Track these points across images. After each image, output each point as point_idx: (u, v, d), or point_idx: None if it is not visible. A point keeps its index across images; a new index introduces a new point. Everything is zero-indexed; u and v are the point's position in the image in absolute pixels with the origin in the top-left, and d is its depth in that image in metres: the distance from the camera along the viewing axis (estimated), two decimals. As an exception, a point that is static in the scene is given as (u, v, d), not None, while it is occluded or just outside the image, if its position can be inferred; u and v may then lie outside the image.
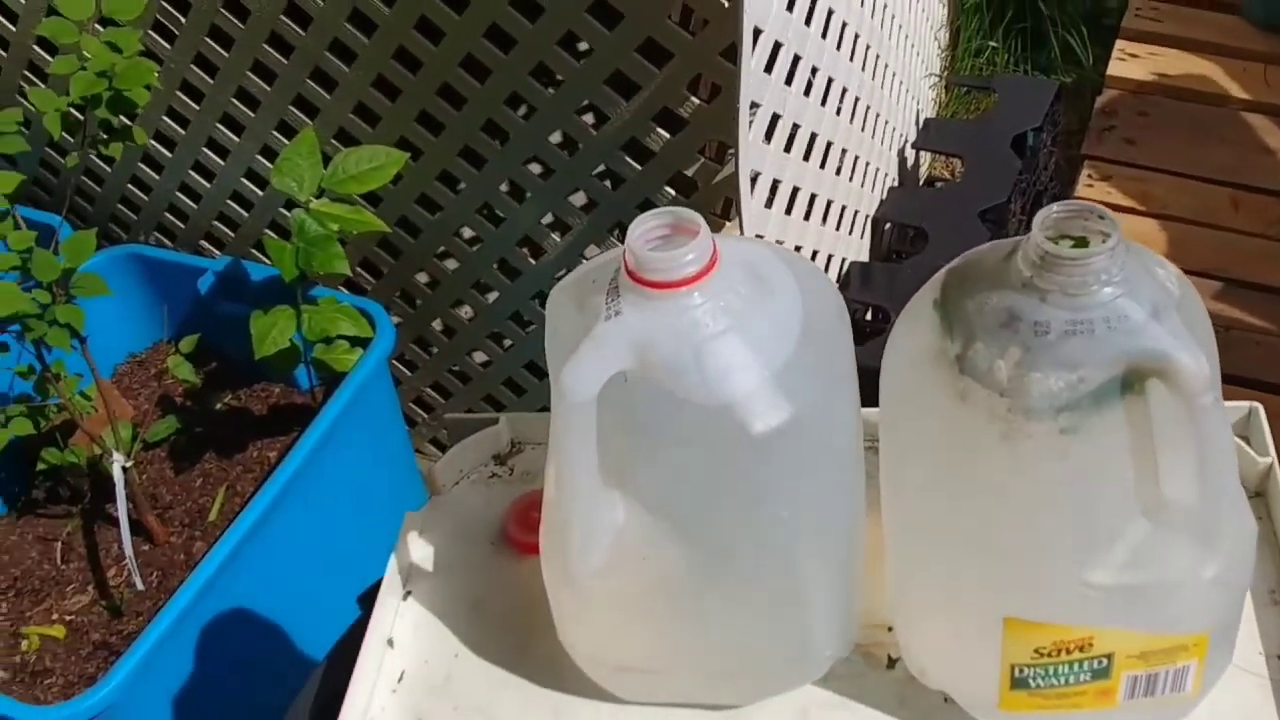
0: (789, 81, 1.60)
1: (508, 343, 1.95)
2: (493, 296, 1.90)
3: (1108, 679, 0.78)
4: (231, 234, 2.09)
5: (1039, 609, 0.75)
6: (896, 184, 2.21)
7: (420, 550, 1.01)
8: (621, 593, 0.80)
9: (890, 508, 0.83)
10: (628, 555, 0.79)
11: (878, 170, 2.07)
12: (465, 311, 1.96)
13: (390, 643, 0.95)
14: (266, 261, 1.76)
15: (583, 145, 1.64)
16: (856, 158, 1.93)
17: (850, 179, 1.92)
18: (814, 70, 1.68)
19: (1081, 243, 0.71)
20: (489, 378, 2.02)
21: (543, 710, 0.89)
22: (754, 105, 1.50)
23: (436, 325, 2.00)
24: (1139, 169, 2.37)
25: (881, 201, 2.10)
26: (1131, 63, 2.54)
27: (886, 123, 2.08)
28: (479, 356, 2.01)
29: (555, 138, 1.69)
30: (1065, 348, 0.69)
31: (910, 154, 2.28)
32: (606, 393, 0.73)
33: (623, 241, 1.73)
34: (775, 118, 1.59)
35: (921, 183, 2.43)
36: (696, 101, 1.52)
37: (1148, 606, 0.75)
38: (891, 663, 0.89)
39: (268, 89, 1.82)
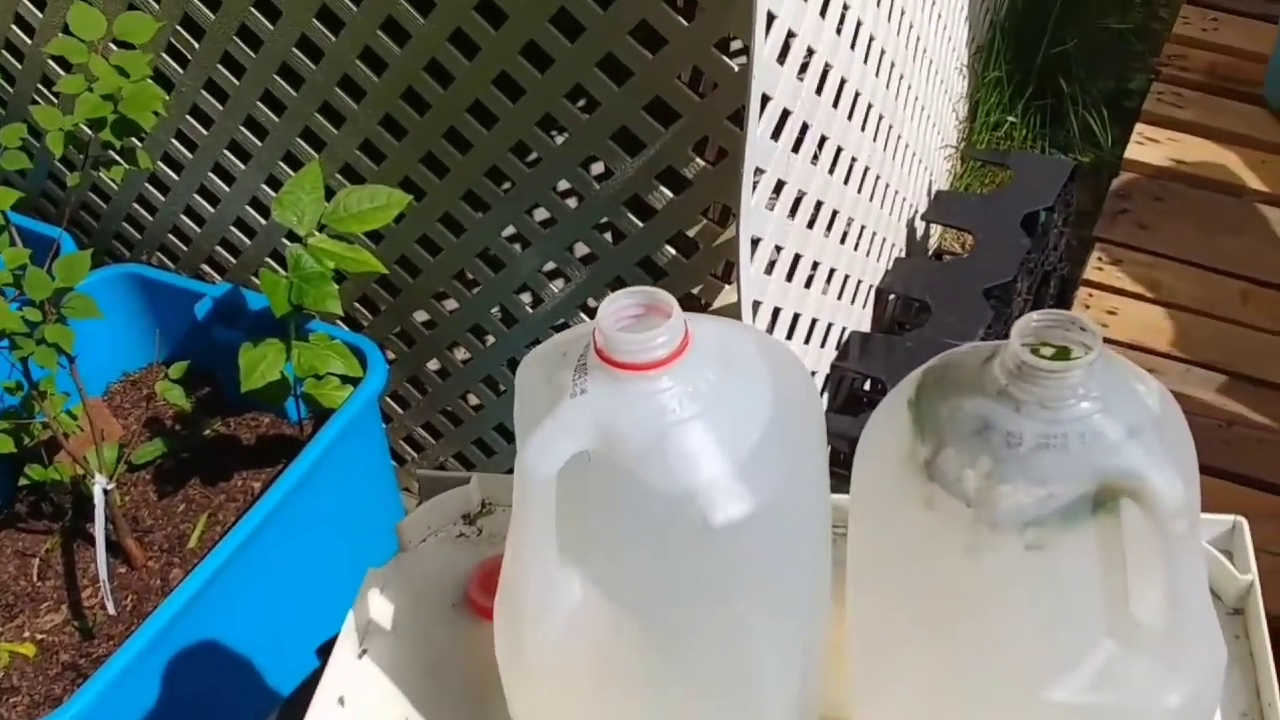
0: (796, 149, 1.59)
1: (502, 388, 1.93)
2: (489, 341, 1.89)
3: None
4: (233, 260, 2.09)
5: (997, 723, 0.73)
6: (904, 255, 2.19)
7: (380, 607, 0.99)
8: (571, 671, 0.79)
9: (855, 603, 0.81)
10: (581, 634, 0.77)
11: (884, 240, 2.06)
12: (461, 354, 1.95)
13: (341, 701, 0.93)
14: (265, 291, 1.75)
15: (586, 197, 1.63)
16: (863, 227, 1.92)
17: (855, 248, 1.91)
18: (823, 139, 1.67)
19: (1063, 352, 0.69)
20: (481, 421, 2.00)
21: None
22: (759, 170, 1.49)
23: (432, 365, 1.99)
24: (1150, 254, 2.36)
25: (887, 272, 2.08)
26: (1150, 147, 2.53)
27: (896, 193, 2.07)
28: (472, 400, 2.00)
29: (561, 186, 1.68)
30: (1036, 461, 0.67)
31: (920, 225, 2.27)
32: (571, 469, 0.72)
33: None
34: (780, 184, 1.58)
35: (930, 254, 2.41)
36: (701, 163, 1.51)
37: (1106, 730, 0.73)
38: (845, 762, 0.87)
39: (276, 119, 1.81)
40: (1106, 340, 2.10)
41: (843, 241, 1.85)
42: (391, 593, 1.00)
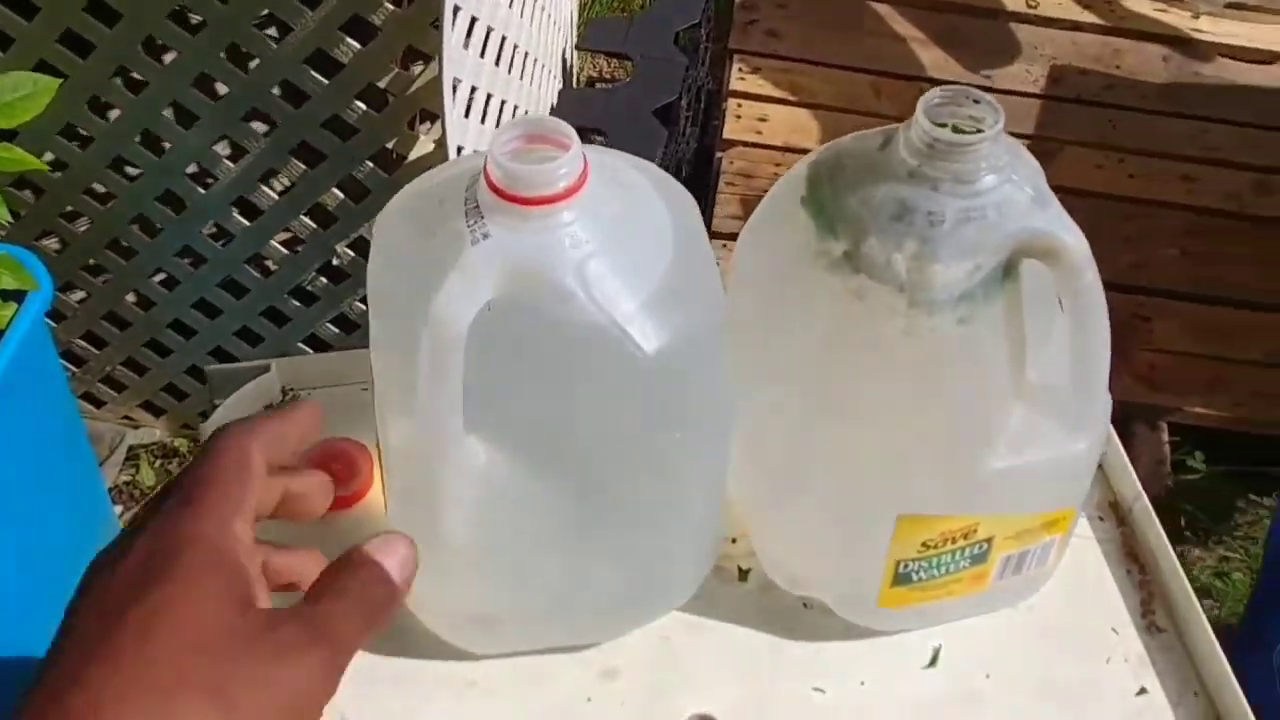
0: (479, -17, 1.53)
1: (179, 284, 1.80)
2: (160, 233, 1.74)
3: (985, 563, 0.78)
4: None
5: (932, 502, 0.74)
6: (561, 86, 2.16)
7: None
8: (491, 543, 0.74)
9: (752, 414, 0.80)
10: (494, 500, 0.72)
11: (549, 71, 2.02)
12: (118, 256, 1.79)
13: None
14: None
15: (262, 59, 1.51)
16: (535, 59, 1.87)
17: (532, 82, 1.86)
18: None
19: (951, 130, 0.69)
20: (150, 322, 1.86)
21: (384, 679, 0.82)
22: (455, 8, 1.42)
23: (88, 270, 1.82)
24: (785, 60, 2.43)
25: (553, 106, 2.05)
26: (764, -45, 2.59)
27: (554, 21, 2.03)
28: (135, 300, 1.85)
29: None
30: (961, 236, 0.67)
31: (569, 56, 2.24)
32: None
33: (310, 166, 1.62)
34: (473, 20, 1.51)
35: (577, 84, 2.40)
36: (390, 7, 1.43)
37: (1029, 488, 0.75)
38: (743, 574, 0.86)
39: None
40: (758, 145, 2.16)
41: (522, 77, 1.80)
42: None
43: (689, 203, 0.74)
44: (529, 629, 0.80)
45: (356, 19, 1.45)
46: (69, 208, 1.73)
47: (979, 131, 0.67)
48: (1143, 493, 0.89)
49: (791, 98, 2.36)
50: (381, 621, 0.52)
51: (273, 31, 1.51)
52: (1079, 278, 0.69)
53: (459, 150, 1.53)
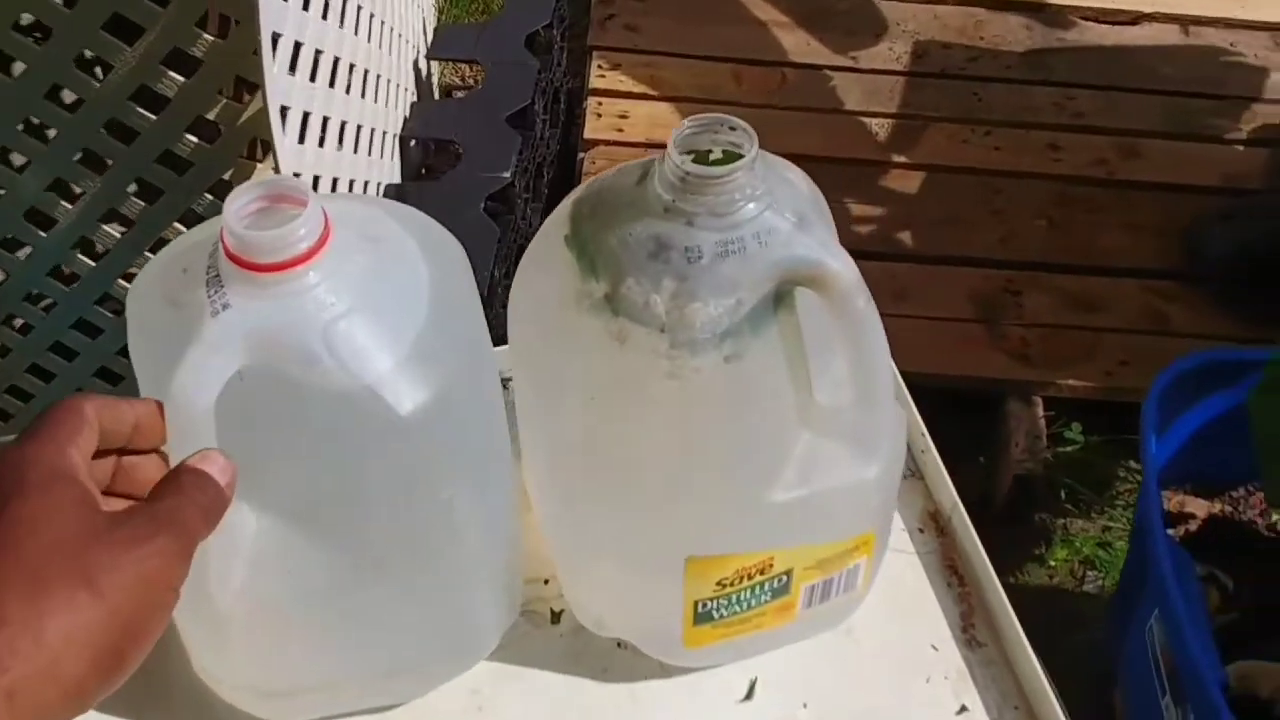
0: (306, 6, 1.49)
1: (32, 329, 1.75)
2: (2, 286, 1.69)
3: (788, 594, 0.77)
4: None
5: (719, 542, 0.72)
6: (416, 99, 2.13)
7: None
8: (266, 611, 0.71)
9: (541, 454, 0.78)
10: (268, 569, 0.70)
11: (397, 85, 1.99)
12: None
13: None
14: None
15: (85, 99, 1.46)
16: (379, 76, 1.84)
17: (375, 100, 1.83)
18: (324, -11, 1.57)
19: (702, 158, 0.68)
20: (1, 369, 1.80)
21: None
22: (275, 35, 1.38)
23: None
24: (645, 54, 2.41)
25: (406, 119, 2.01)
26: (618, -51, 2.56)
27: (399, 35, 2.00)
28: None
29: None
30: (720, 271, 0.65)
31: (424, 65, 2.21)
32: (220, 395, 0.64)
33: (149, 202, 1.56)
34: (298, 46, 1.47)
35: (437, 94, 2.36)
36: (209, 38, 1.38)
37: (822, 517, 0.74)
38: (555, 617, 0.85)
39: None
40: (620, 144, 2.13)
41: (363, 95, 1.76)
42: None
43: (454, 251, 0.72)
44: (327, 698, 0.78)
45: (178, 52, 1.41)
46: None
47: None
48: (959, 502, 0.88)
49: (652, 92, 2.34)
50: (214, 516, 0.58)
51: (99, 71, 1.46)
52: (849, 303, 0.67)
53: (294, 177, 1.49)
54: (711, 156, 0.67)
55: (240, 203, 0.64)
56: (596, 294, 0.67)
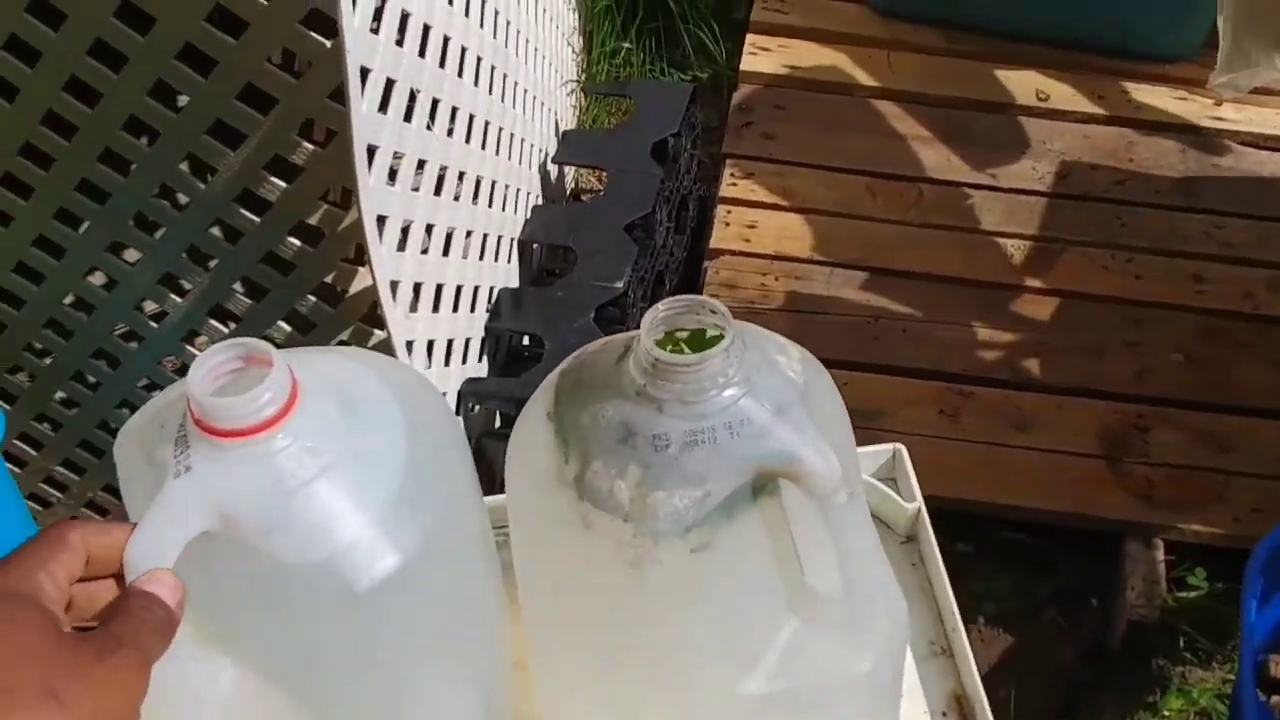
0: (408, 117, 1.51)
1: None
2: (120, 366, 1.74)
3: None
4: None
5: (694, 730, 0.69)
6: (541, 201, 2.15)
7: None
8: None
9: (529, 616, 0.76)
10: (238, 725, 0.69)
11: (519, 190, 2.01)
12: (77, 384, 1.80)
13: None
14: None
15: (192, 199, 1.51)
16: (494, 182, 1.86)
17: (490, 205, 1.85)
18: (435, 102, 1.60)
19: (698, 337, 0.65)
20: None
21: None
22: (372, 146, 1.41)
23: (59, 396, 1.84)
24: (779, 163, 2.39)
25: (526, 222, 2.03)
26: (763, 56, 2.56)
27: (523, 141, 2.02)
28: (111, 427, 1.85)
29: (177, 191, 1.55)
30: (688, 461, 0.63)
31: (553, 169, 2.23)
32: (194, 547, 0.63)
33: (255, 300, 1.59)
34: (398, 156, 1.50)
35: (569, 197, 2.38)
36: (310, 147, 1.42)
37: (807, 709, 0.70)
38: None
39: None
40: (746, 254, 2.09)
41: (475, 201, 1.78)
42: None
43: (440, 408, 0.71)
44: None
45: (280, 159, 1.44)
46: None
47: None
48: (981, 689, 0.83)
49: (783, 203, 2.32)
50: (167, 635, 0.59)
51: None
52: (828, 500, 0.64)
53: (393, 285, 1.52)
54: (678, 334, 0.64)
55: (212, 362, 0.64)
56: (568, 474, 0.65)
